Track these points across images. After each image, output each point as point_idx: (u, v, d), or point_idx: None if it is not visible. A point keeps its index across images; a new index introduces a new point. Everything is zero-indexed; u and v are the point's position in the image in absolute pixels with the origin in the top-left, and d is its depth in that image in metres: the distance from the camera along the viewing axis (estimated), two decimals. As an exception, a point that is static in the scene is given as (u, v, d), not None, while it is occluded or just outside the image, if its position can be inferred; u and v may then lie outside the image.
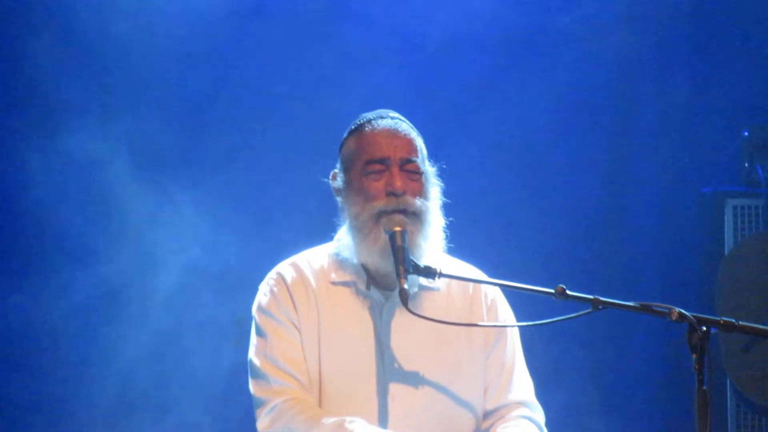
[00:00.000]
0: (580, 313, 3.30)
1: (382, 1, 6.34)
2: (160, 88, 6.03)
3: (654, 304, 3.19)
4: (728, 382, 6.27)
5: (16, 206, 5.82)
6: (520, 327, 3.78)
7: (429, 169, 3.69)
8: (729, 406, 6.31)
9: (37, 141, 5.82)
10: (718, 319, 3.11)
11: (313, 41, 6.27)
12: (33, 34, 5.81)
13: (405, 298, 3.43)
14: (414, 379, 3.62)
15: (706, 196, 6.53)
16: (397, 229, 3.52)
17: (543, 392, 3.83)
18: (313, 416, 3.52)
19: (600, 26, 6.67)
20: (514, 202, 6.56)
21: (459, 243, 3.75)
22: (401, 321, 3.63)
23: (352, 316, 3.65)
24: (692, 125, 6.84)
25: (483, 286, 3.76)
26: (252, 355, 3.66)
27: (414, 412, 3.60)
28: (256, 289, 3.75)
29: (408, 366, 3.61)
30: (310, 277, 3.69)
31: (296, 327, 3.64)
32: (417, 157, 3.64)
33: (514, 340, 3.78)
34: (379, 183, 3.60)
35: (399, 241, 3.50)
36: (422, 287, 3.69)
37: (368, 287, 3.65)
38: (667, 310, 3.13)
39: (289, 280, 3.69)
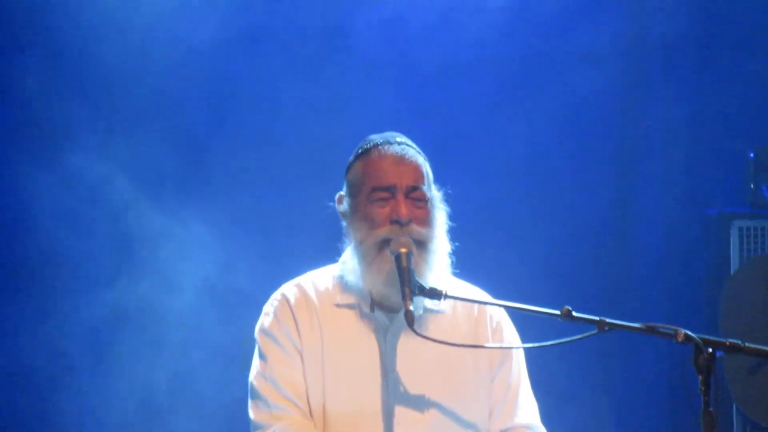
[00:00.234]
0: (586, 334, 3.30)
1: (388, 24, 6.36)
2: (165, 110, 6.05)
3: (660, 325, 3.18)
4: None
5: (25, 229, 5.84)
6: (525, 349, 3.77)
7: (435, 194, 3.67)
8: (735, 424, 6.30)
9: (44, 163, 5.83)
10: (724, 340, 3.10)
11: (320, 63, 6.29)
12: (35, 56, 5.84)
13: (411, 320, 3.42)
14: (419, 402, 3.60)
15: (712, 217, 6.52)
16: (403, 250, 3.52)
17: (556, 405, 3.83)
18: None
19: (606, 48, 6.69)
20: (520, 223, 6.57)
21: (466, 265, 3.75)
22: (406, 343, 3.62)
23: (357, 338, 3.64)
24: (698, 146, 6.85)
25: (488, 308, 3.75)
26: (252, 378, 3.65)
27: (419, 435, 3.59)
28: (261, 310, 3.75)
29: (413, 389, 3.61)
30: (315, 298, 3.69)
31: (298, 350, 3.63)
32: (423, 184, 3.63)
33: (519, 363, 3.77)
34: (384, 210, 3.58)
35: (405, 263, 3.49)
36: (427, 309, 3.68)
37: (372, 309, 3.64)
38: (672, 332, 3.13)
39: (293, 301, 3.68)
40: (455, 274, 3.72)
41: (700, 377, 3.03)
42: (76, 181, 5.88)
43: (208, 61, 6.10)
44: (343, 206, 3.70)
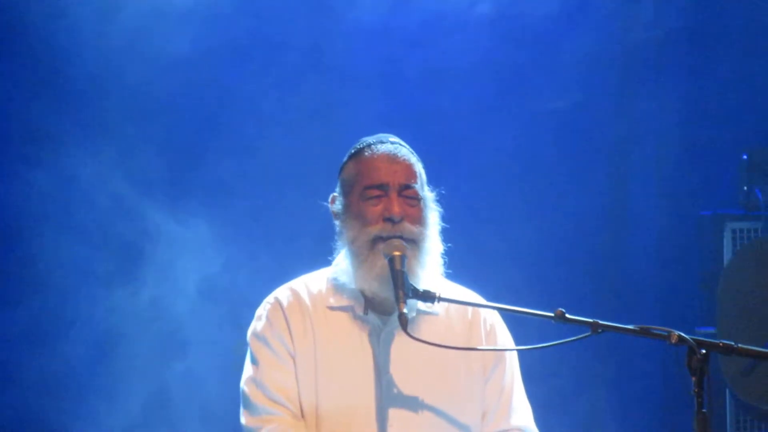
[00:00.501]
0: (579, 336, 3.30)
1: (382, 28, 6.37)
2: (159, 115, 6.05)
3: (653, 327, 3.18)
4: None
5: (25, 231, 5.85)
6: (519, 352, 3.77)
7: (428, 195, 3.67)
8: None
9: (41, 167, 5.84)
10: (717, 342, 3.11)
11: (313, 68, 6.29)
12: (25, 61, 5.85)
13: (404, 323, 3.41)
14: (412, 404, 3.60)
15: (706, 219, 6.53)
16: (396, 253, 3.51)
17: (549, 408, 3.82)
18: None
19: (598, 50, 6.69)
20: (514, 225, 6.57)
21: (458, 268, 3.75)
22: (399, 346, 3.62)
23: (350, 341, 3.63)
24: (691, 149, 6.86)
25: (482, 311, 3.75)
26: (243, 383, 3.65)
27: (413, 437, 3.59)
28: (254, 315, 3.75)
29: (406, 391, 3.60)
30: (308, 301, 3.68)
31: (290, 355, 3.62)
32: (416, 182, 3.63)
33: (512, 365, 3.77)
34: (377, 208, 3.58)
35: (398, 266, 3.49)
36: (421, 312, 3.68)
37: (366, 312, 3.64)
38: (666, 334, 3.13)
39: (285, 305, 3.68)
40: (448, 275, 3.72)
41: (694, 379, 3.03)
42: (73, 185, 5.88)
43: (201, 66, 6.10)
44: (336, 206, 3.70)
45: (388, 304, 3.59)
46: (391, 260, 3.50)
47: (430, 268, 3.61)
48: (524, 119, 6.61)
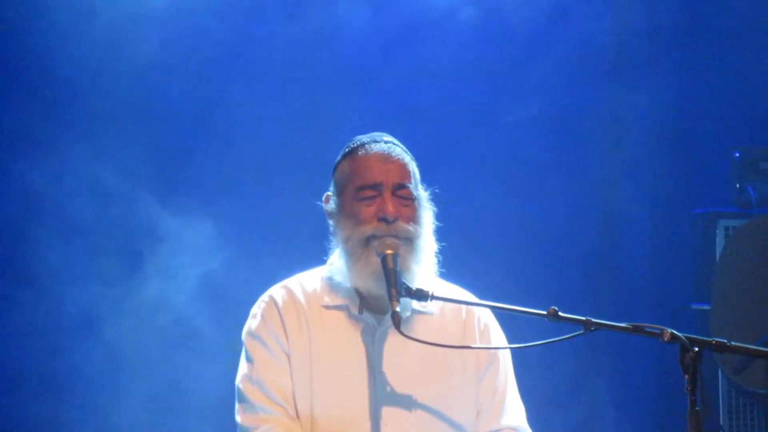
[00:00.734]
0: (572, 334, 3.30)
1: (375, 26, 6.37)
2: (155, 114, 6.06)
3: (646, 325, 3.19)
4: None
5: (24, 228, 5.85)
6: (513, 351, 3.78)
7: (422, 194, 3.67)
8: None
9: (38, 165, 5.84)
10: (710, 339, 3.11)
11: (306, 66, 6.30)
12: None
13: (397, 321, 3.41)
14: (406, 403, 3.60)
15: (698, 217, 6.54)
16: (389, 252, 3.51)
17: (543, 407, 3.83)
18: None
19: (591, 48, 6.70)
20: (507, 224, 6.58)
21: (452, 267, 3.76)
22: (394, 345, 3.62)
23: (345, 339, 3.63)
24: (684, 147, 6.87)
25: (476, 310, 3.75)
26: (239, 381, 3.65)
27: (407, 436, 3.59)
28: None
29: (400, 389, 3.61)
30: (303, 300, 3.68)
31: (285, 353, 3.62)
32: (410, 182, 3.63)
33: (506, 365, 3.77)
34: (370, 208, 3.58)
35: (390, 264, 3.48)
36: (415, 311, 3.68)
37: (361, 311, 3.64)
38: (659, 331, 3.13)
39: (280, 303, 3.67)
40: (442, 274, 3.72)
41: (686, 376, 3.03)
42: (71, 182, 5.89)
43: (196, 64, 6.11)
44: (330, 205, 3.69)
45: (383, 303, 3.58)
46: (384, 258, 3.50)
47: (424, 266, 3.61)
48: (516, 117, 6.61)
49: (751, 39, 6.84)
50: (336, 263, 3.66)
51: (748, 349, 3.16)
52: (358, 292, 3.64)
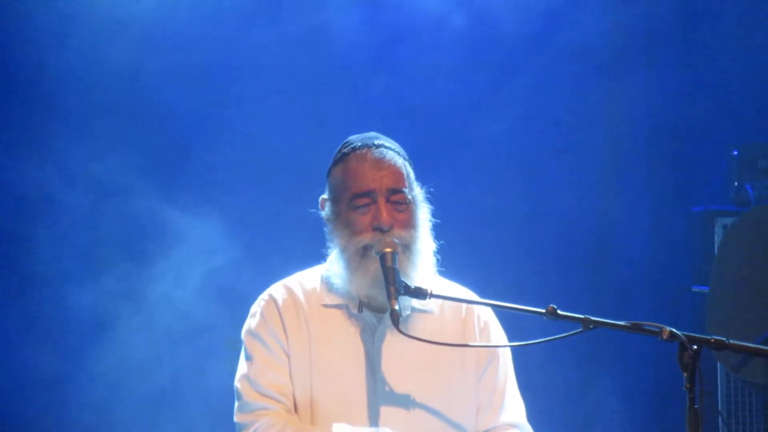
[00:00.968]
0: (571, 332, 3.30)
1: (370, 24, 6.37)
2: (153, 109, 6.07)
3: (644, 323, 3.19)
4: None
5: (27, 224, 5.86)
6: (512, 349, 3.78)
7: (417, 194, 3.64)
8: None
9: (41, 161, 5.86)
10: (709, 337, 3.11)
11: (305, 64, 6.30)
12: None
13: (396, 319, 3.41)
14: (406, 402, 3.61)
15: (696, 215, 6.54)
16: (388, 250, 3.51)
17: (543, 405, 3.83)
18: (300, 429, 3.52)
19: (589, 45, 6.70)
20: (506, 221, 6.58)
21: (451, 263, 3.75)
22: (393, 343, 3.62)
23: (344, 338, 3.64)
24: (682, 145, 6.87)
25: (476, 308, 3.74)
26: (237, 380, 3.65)
27: (406, 434, 3.60)
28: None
29: (400, 388, 3.61)
30: (302, 299, 3.68)
31: (285, 352, 3.62)
32: (404, 186, 3.59)
33: (506, 362, 3.77)
34: (365, 217, 3.55)
35: (389, 262, 3.48)
36: (415, 309, 3.68)
37: (360, 309, 3.64)
38: (657, 329, 3.13)
39: (280, 302, 3.67)
40: (440, 272, 3.72)
41: (685, 374, 3.03)
42: (74, 177, 5.90)
43: (195, 60, 6.11)
44: (326, 211, 3.67)
45: (382, 302, 3.57)
46: (383, 257, 3.49)
47: (422, 268, 3.60)
48: (514, 115, 6.61)
49: (751, 37, 6.84)
50: (335, 267, 3.65)
51: (746, 347, 3.16)
52: (357, 294, 3.64)
